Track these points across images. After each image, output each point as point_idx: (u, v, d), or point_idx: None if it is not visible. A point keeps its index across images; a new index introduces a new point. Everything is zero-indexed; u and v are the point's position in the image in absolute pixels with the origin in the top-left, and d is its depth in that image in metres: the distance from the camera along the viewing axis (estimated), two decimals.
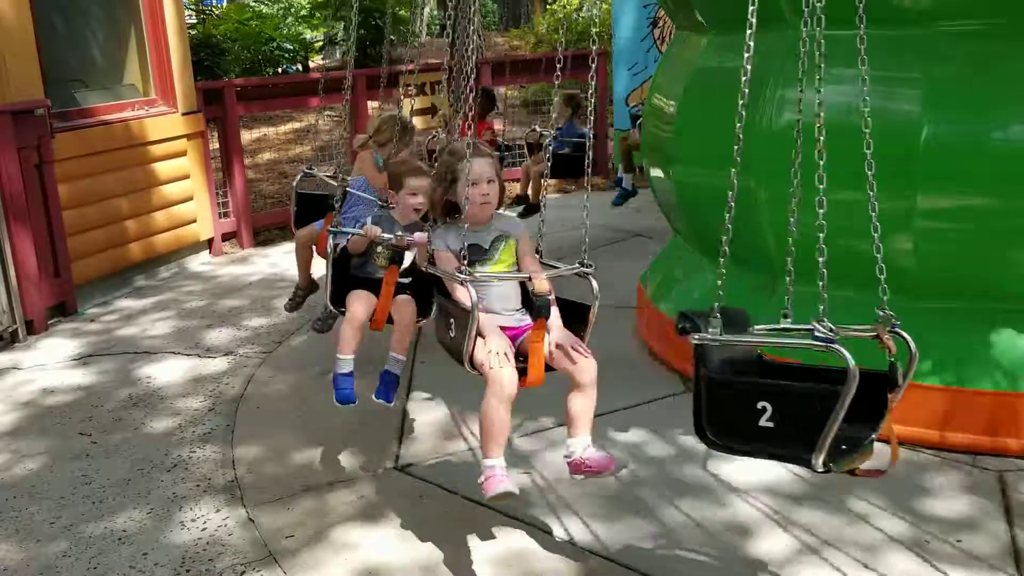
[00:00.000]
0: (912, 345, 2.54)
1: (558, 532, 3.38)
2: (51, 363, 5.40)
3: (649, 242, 7.28)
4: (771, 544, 3.26)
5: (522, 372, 2.92)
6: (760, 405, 2.40)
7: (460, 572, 3.18)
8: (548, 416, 4.23)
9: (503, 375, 2.84)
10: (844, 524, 3.36)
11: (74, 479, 3.97)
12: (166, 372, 5.18)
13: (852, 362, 2.27)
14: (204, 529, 3.54)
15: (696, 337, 2.48)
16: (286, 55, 15.02)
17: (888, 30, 3.96)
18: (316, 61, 16.16)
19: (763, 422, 2.40)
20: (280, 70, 14.71)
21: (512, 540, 3.36)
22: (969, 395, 3.81)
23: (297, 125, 11.90)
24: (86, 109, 6.73)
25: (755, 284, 4.30)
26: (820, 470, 2.38)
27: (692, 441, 4.02)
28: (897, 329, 2.52)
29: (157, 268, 7.20)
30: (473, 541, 3.36)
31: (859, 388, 2.28)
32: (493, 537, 3.38)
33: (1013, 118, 3.74)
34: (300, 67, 15.24)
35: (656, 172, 5.22)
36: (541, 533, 3.38)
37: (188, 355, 5.44)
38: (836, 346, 2.32)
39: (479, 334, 2.89)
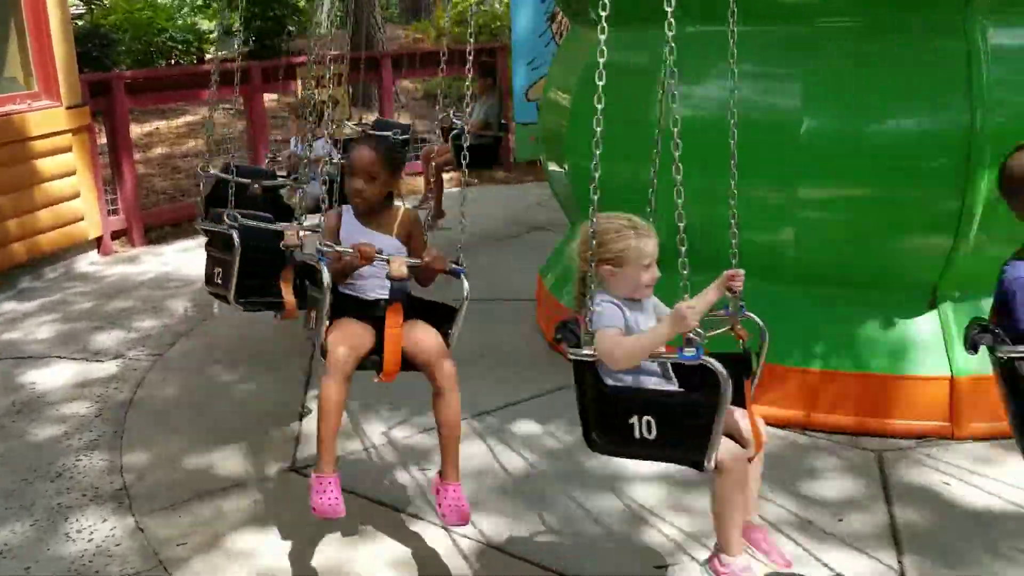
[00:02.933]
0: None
1: (462, 529, 3.37)
2: None
3: (548, 235, 7.34)
4: (665, 531, 3.33)
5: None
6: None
7: (360, 574, 3.15)
8: None
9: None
10: None
11: None
12: (51, 377, 4.98)
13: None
14: (91, 540, 3.41)
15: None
16: (179, 46, 14.55)
17: (770, 27, 4.09)
18: (211, 53, 15.71)
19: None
20: (172, 62, 14.25)
21: (412, 539, 3.35)
22: (849, 378, 3.97)
23: (191, 118, 11.56)
24: None
25: None
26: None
27: None
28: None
29: (42, 268, 6.91)
30: (373, 542, 3.33)
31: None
32: (393, 537, 3.36)
33: (888, 113, 3.89)
34: (195, 59, 14.80)
35: (553, 165, 5.27)
36: (441, 530, 3.38)
37: (75, 359, 5.24)
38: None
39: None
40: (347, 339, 2.95)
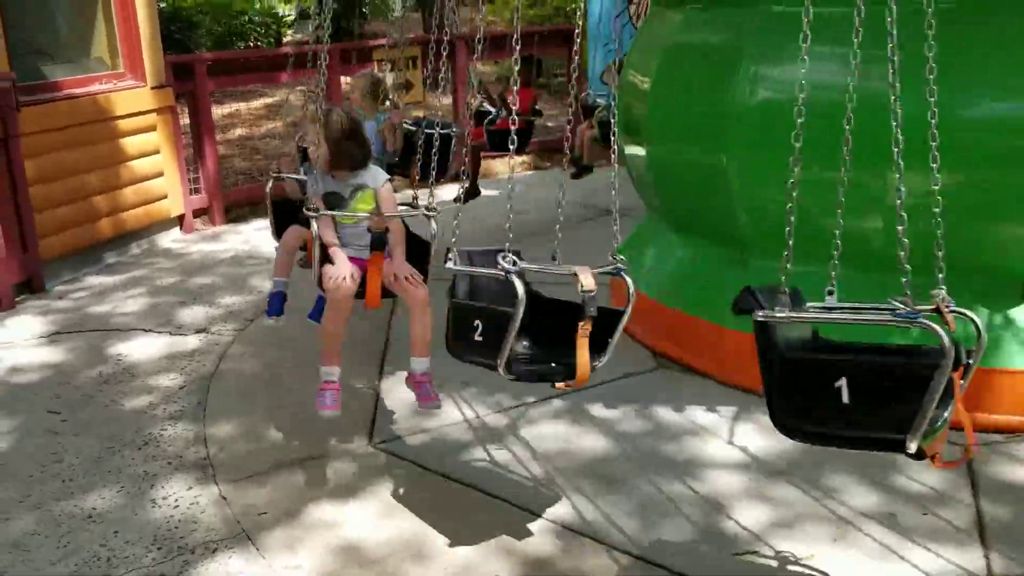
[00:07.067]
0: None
1: (536, 509, 3.39)
2: (19, 341, 5.31)
3: (624, 220, 7.26)
4: (746, 518, 3.29)
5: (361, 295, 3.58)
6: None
7: (441, 549, 3.18)
8: (529, 394, 4.23)
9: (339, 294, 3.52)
10: (817, 499, 3.39)
11: (43, 457, 3.92)
12: (137, 349, 5.12)
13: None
14: (176, 507, 3.51)
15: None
16: (258, 29, 14.83)
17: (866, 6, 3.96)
18: (288, 35, 15.96)
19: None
20: (251, 44, 14.52)
21: (490, 517, 3.37)
22: None
23: (269, 100, 11.76)
24: (53, 83, 6.58)
25: (726, 259, 4.32)
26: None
27: (668, 415, 4.06)
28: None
29: (127, 245, 7.11)
30: (452, 518, 3.36)
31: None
32: (471, 514, 3.39)
33: (985, 97, 3.76)
34: (273, 41, 15.06)
35: (630, 149, 5.21)
36: (519, 510, 3.39)
37: (160, 332, 5.38)
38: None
39: (328, 261, 3.55)
40: None
